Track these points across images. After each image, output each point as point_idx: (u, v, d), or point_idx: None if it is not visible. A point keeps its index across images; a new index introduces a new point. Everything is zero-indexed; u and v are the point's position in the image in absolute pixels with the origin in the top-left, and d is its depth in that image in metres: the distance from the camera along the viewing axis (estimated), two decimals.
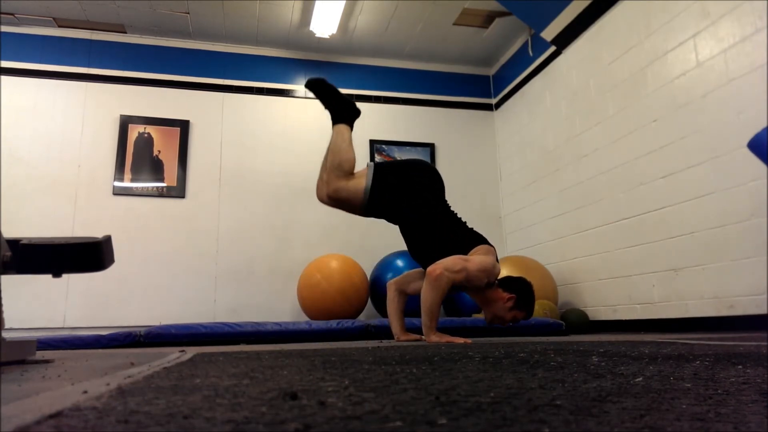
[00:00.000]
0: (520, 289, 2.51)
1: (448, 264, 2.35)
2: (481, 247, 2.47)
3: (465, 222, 2.60)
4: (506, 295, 2.47)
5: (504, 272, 3.82)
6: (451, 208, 2.61)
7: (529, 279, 2.64)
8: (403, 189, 2.51)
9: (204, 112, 4.78)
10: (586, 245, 3.93)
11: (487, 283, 2.43)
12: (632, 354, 1.29)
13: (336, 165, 2.48)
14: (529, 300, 2.53)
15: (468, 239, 2.50)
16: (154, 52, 4.82)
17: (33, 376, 1.04)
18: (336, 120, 2.58)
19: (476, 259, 2.40)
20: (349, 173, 2.50)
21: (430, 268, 2.35)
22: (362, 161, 4.93)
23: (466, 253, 2.42)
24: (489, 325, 2.62)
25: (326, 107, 2.60)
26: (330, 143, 2.56)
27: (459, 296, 4.09)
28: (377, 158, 5.01)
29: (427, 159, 5.11)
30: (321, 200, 2.59)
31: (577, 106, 4.09)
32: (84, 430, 0.44)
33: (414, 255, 2.61)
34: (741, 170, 2.69)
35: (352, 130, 2.59)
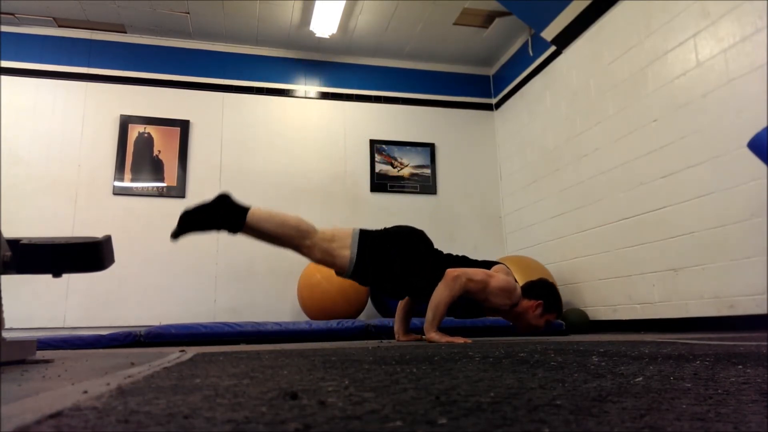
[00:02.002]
0: (545, 293, 2.53)
1: (470, 271, 2.37)
2: (501, 267, 2.50)
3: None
4: (533, 303, 2.49)
5: None
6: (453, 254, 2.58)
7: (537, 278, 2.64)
8: (400, 261, 2.38)
9: (204, 112, 4.78)
10: (586, 245, 3.93)
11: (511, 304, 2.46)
12: (632, 354, 1.29)
13: (297, 233, 2.25)
14: (556, 301, 2.54)
15: (483, 263, 2.53)
16: (154, 52, 4.82)
17: (33, 376, 1.04)
18: (241, 218, 2.19)
19: (500, 277, 2.42)
20: (314, 230, 2.28)
21: (449, 270, 2.36)
22: (363, 163, 4.97)
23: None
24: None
25: (218, 221, 2.19)
26: (269, 232, 2.23)
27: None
28: (377, 158, 5.01)
29: (427, 159, 5.11)
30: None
31: (577, 106, 4.09)
32: (84, 430, 0.44)
33: None
34: (741, 170, 2.69)
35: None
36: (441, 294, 2.33)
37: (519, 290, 2.48)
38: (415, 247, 2.45)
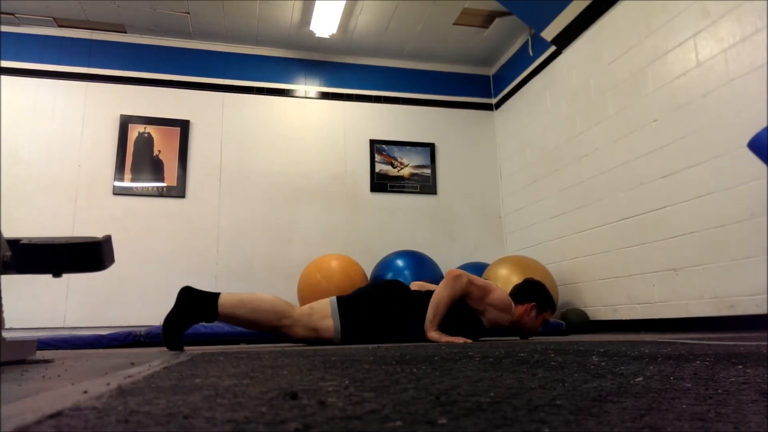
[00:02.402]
0: (534, 293, 2.55)
1: (472, 276, 2.40)
2: (490, 282, 2.53)
3: None
4: (526, 306, 2.52)
5: (504, 272, 3.82)
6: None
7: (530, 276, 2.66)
8: (391, 305, 2.40)
9: (204, 112, 4.78)
10: (586, 245, 3.93)
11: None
12: (632, 354, 1.29)
13: (274, 315, 2.20)
14: (547, 297, 2.57)
15: None
16: (154, 52, 4.82)
17: (33, 376, 1.04)
18: (212, 305, 2.16)
19: (500, 291, 2.47)
20: (291, 307, 2.24)
21: (451, 269, 2.41)
22: (363, 163, 4.97)
23: None
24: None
25: (193, 314, 2.15)
26: (244, 317, 2.18)
27: None
28: (377, 158, 5.00)
29: (427, 159, 5.11)
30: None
31: (577, 106, 4.09)
32: (84, 430, 0.44)
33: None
34: (741, 170, 2.69)
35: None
36: (441, 293, 2.34)
37: (515, 307, 2.51)
38: (397, 293, 2.47)
